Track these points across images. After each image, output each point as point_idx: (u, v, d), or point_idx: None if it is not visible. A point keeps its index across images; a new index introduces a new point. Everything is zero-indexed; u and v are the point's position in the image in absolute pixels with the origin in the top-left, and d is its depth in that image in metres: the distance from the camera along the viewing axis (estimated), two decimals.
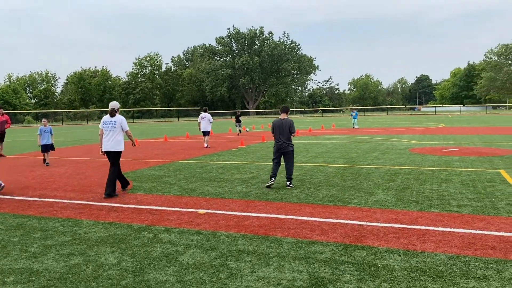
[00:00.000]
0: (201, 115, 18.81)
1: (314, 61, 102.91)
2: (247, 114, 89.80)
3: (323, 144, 18.59)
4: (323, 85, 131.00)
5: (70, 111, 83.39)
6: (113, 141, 8.40)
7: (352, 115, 34.18)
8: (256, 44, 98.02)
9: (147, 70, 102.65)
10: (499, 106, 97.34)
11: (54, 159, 14.77)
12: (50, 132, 13.61)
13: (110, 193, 8.18)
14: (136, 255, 4.93)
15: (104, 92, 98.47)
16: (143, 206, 7.38)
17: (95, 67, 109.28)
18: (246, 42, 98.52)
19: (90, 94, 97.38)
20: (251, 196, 7.98)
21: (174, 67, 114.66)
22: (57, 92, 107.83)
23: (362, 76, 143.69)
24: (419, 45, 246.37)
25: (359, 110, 76.42)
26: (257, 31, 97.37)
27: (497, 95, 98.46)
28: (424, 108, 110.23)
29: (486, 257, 4.62)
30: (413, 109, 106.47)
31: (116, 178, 8.49)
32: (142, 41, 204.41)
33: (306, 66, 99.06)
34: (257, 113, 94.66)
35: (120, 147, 8.49)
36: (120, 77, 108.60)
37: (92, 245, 5.34)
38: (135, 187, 9.16)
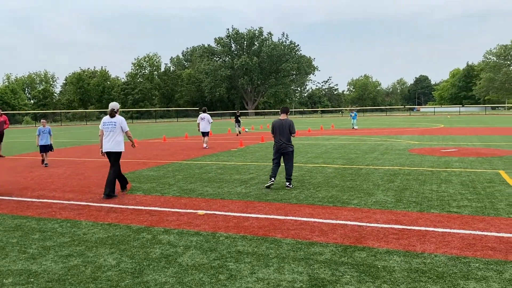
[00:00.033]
0: (200, 115, 18.78)
1: (313, 62, 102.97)
2: (246, 114, 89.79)
3: (323, 145, 18.59)
4: (322, 85, 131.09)
5: (69, 112, 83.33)
6: (113, 142, 8.39)
7: (351, 115, 34.19)
8: (255, 44, 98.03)
9: (146, 71, 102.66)
10: (498, 107, 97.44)
11: (53, 160, 14.74)
12: (49, 133, 13.58)
13: (109, 194, 8.16)
14: (135, 256, 4.91)
15: (103, 92, 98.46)
16: (142, 207, 7.36)
17: (94, 67, 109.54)
18: (245, 42, 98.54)
19: (89, 94, 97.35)
20: (251, 197, 7.96)
21: (173, 67, 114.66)
22: (56, 93, 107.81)
23: (361, 76, 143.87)
24: (418, 46, 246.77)
25: (358, 111, 76.51)
26: (256, 32, 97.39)
27: (496, 95, 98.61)
28: (423, 109, 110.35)
29: (486, 258, 4.61)
30: (412, 109, 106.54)
31: (116, 179, 8.47)
32: (141, 42, 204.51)
33: (305, 66, 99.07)
34: (256, 114, 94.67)
35: (120, 148, 8.48)
36: (119, 78, 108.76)
37: (91, 246, 5.32)
38: (134, 188, 9.14)
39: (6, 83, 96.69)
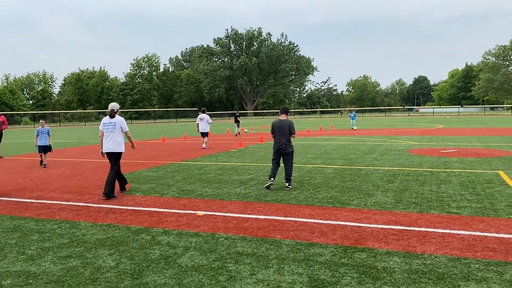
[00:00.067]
0: (199, 116, 18.77)
1: (312, 62, 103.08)
2: (245, 115, 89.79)
3: (322, 145, 18.58)
4: (321, 86, 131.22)
5: (68, 112, 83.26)
6: (114, 142, 8.38)
7: (350, 116, 34.20)
8: (254, 45, 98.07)
9: (145, 71, 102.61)
10: (497, 107, 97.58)
11: (52, 160, 14.71)
12: (48, 133, 13.55)
13: (108, 193, 8.14)
14: (134, 257, 4.89)
15: (102, 93, 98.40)
16: (141, 208, 7.34)
17: (93, 68, 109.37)
18: (244, 43, 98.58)
19: (88, 95, 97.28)
20: (250, 198, 7.95)
21: (172, 68, 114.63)
22: (54, 93, 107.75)
23: (360, 77, 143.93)
24: (417, 46, 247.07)
25: (357, 111, 76.55)
26: (255, 32, 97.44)
27: (495, 96, 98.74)
28: (422, 109, 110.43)
29: (486, 259, 4.60)
30: (411, 110, 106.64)
31: (116, 179, 8.46)
32: (140, 42, 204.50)
33: (304, 67, 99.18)
34: (255, 114, 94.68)
35: (120, 148, 8.47)
36: (118, 78, 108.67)
37: (90, 247, 5.30)
38: (133, 189, 9.12)
39: (5, 84, 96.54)
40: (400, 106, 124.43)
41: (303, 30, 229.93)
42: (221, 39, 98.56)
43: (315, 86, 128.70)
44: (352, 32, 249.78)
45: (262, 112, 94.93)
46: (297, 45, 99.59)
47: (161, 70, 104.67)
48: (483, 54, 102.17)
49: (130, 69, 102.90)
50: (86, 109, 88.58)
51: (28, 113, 76.65)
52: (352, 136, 24.30)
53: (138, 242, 5.44)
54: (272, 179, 8.81)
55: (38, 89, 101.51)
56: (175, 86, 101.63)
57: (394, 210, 6.80)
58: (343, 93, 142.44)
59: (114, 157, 8.46)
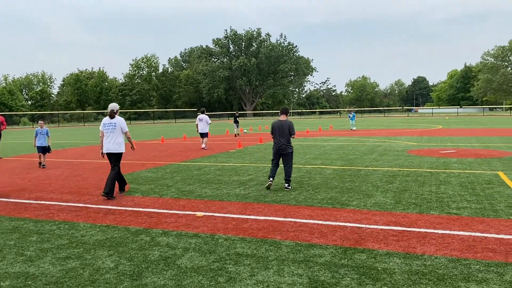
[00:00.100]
0: (198, 116, 18.76)
1: (311, 63, 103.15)
2: (244, 115, 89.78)
3: (321, 146, 18.57)
4: (320, 86, 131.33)
5: (67, 113, 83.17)
6: (114, 143, 8.37)
7: (349, 116, 34.20)
8: (254, 45, 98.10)
9: (144, 72, 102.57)
10: (495, 108, 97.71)
11: (51, 161, 14.68)
12: (47, 134, 13.51)
13: (108, 193, 8.12)
14: (133, 258, 4.87)
15: (101, 93, 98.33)
16: (141, 209, 7.32)
17: (92, 68, 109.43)
18: (243, 43, 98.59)
19: (87, 95, 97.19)
20: (250, 199, 7.93)
21: (171, 68, 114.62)
22: (53, 94, 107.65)
23: (359, 77, 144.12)
24: (416, 47, 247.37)
25: (356, 112, 76.60)
26: (254, 33, 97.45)
27: (494, 96, 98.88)
28: (421, 110, 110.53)
29: (486, 260, 4.59)
30: (410, 110, 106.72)
31: (116, 180, 8.44)
32: (139, 43, 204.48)
33: (304, 67, 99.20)
34: (254, 115, 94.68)
35: (121, 149, 8.47)
36: (117, 79, 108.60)
37: (89, 248, 5.28)
38: (132, 189, 9.10)
39: (4, 84, 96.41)
40: (399, 106, 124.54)
41: (302, 31, 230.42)
42: (220, 40, 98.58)
43: (314, 87, 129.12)
44: (352, 33, 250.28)
45: (261, 112, 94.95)
46: (296, 46, 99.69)
47: (160, 70, 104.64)
48: (482, 54, 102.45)
49: (129, 70, 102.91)
50: (85, 110, 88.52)
51: (27, 114, 76.60)
52: (351, 137, 24.30)
53: (138, 243, 5.42)
54: (271, 179, 8.80)
55: (37, 90, 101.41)
56: (174, 86, 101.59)
57: (394, 211, 6.79)
58: (342, 93, 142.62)
59: (115, 158, 8.45)
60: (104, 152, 8.48)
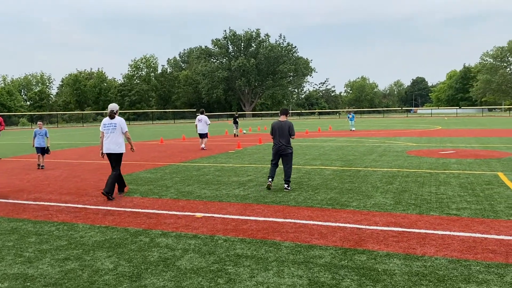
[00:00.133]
0: (197, 117, 18.74)
1: (310, 63, 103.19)
2: (243, 116, 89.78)
3: (320, 146, 18.56)
4: (319, 87, 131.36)
5: (65, 113, 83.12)
6: (114, 143, 8.37)
7: (348, 117, 34.19)
8: (253, 46, 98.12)
9: (143, 72, 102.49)
10: (494, 108, 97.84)
11: (49, 162, 14.65)
12: (45, 135, 13.46)
13: (108, 192, 8.10)
14: (133, 259, 4.85)
15: (100, 94, 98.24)
16: (140, 210, 7.30)
17: (91, 69, 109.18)
18: (242, 44, 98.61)
19: (86, 96, 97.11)
20: (249, 199, 7.92)
21: (170, 69, 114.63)
22: (52, 94, 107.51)
23: (358, 78, 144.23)
24: (415, 48, 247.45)
25: (355, 112, 76.64)
26: (254, 33, 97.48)
27: (493, 97, 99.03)
28: (420, 110, 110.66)
29: (487, 261, 4.58)
30: (409, 111, 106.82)
31: (116, 181, 8.43)
32: (138, 43, 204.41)
33: (303, 68, 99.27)
34: (254, 115, 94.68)
35: (121, 149, 8.46)
36: (116, 79, 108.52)
37: (88, 249, 5.26)
38: (131, 190, 9.08)
39: (2, 85, 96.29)
40: (398, 107, 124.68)
41: (301, 31, 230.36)
42: (219, 40, 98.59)
43: (313, 87, 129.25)
44: (351, 33, 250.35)
45: (260, 113, 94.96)
46: (295, 46, 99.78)
47: (159, 71, 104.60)
48: (481, 55, 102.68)
49: (128, 70, 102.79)
50: (83, 110, 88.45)
51: (25, 114, 76.49)
52: (350, 137, 24.29)
53: (137, 244, 5.40)
54: (271, 180, 8.79)
55: (36, 90, 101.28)
56: (173, 87, 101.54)
57: (394, 211, 6.78)
58: (341, 94, 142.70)
59: (115, 158, 8.44)
60: (104, 152, 8.47)
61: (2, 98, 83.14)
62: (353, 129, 32.51)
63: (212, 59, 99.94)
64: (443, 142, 19.56)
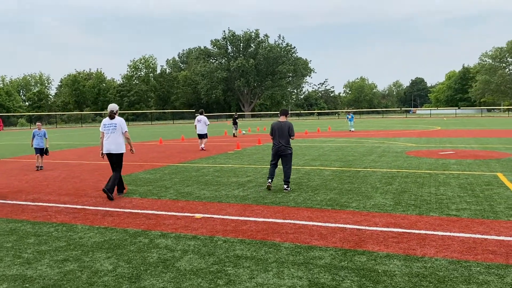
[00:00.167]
0: (197, 117, 18.73)
1: (309, 64, 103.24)
2: (242, 116, 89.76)
3: (320, 147, 18.55)
4: (318, 87, 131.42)
5: (64, 114, 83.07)
6: (114, 143, 8.37)
7: (348, 117, 34.20)
8: (252, 46, 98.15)
9: (142, 73, 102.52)
10: (493, 109, 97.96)
11: (48, 162, 14.62)
12: (44, 136, 13.45)
13: (108, 190, 8.08)
14: (132, 261, 4.84)
15: (99, 94, 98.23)
16: (139, 211, 7.28)
17: (90, 69, 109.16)
18: (241, 44, 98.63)
19: (85, 96, 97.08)
20: (248, 200, 7.90)
21: (169, 69, 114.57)
22: (51, 95, 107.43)
23: (357, 78, 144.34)
24: (414, 48, 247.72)
25: (354, 113, 76.67)
26: (253, 34, 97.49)
27: (492, 97, 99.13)
28: (419, 111, 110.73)
29: (487, 262, 4.57)
30: (408, 111, 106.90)
31: (118, 180, 8.42)
32: (137, 44, 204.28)
33: (302, 68, 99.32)
34: (253, 116, 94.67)
35: (121, 149, 8.46)
36: (115, 80, 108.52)
37: (87, 250, 5.24)
38: (131, 191, 9.06)
39: (1, 85, 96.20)
40: (397, 107, 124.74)
41: (300, 32, 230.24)
42: (218, 41, 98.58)
43: (313, 88, 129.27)
44: (350, 34, 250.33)
45: (260, 113, 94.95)
46: (294, 47, 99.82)
47: (158, 71, 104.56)
48: (479, 56, 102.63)
49: (127, 71, 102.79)
50: (82, 111, 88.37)
51: (24, 115, 76.41)
52: (350, 138, 24.29)
53: (136, 245, 5.38)
54: (270, 180, 8.78)
55: (35, 91, 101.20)
56: (172, 87, 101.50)
57: (393, 212, 6.77)
58: (340, 94, 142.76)
59: (116, 159, 8.43)
60: (104, 152, 8.45)
61: (1, 99, 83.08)
62: (352, 129, 32.52)
63: (211, 60, 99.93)
64: (442, 143, 19.56)
